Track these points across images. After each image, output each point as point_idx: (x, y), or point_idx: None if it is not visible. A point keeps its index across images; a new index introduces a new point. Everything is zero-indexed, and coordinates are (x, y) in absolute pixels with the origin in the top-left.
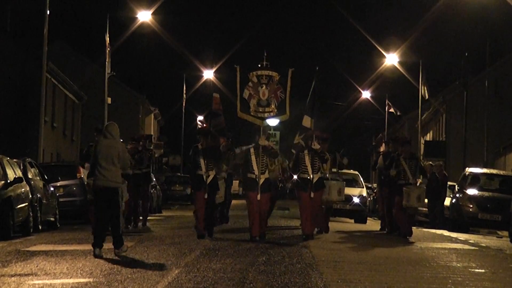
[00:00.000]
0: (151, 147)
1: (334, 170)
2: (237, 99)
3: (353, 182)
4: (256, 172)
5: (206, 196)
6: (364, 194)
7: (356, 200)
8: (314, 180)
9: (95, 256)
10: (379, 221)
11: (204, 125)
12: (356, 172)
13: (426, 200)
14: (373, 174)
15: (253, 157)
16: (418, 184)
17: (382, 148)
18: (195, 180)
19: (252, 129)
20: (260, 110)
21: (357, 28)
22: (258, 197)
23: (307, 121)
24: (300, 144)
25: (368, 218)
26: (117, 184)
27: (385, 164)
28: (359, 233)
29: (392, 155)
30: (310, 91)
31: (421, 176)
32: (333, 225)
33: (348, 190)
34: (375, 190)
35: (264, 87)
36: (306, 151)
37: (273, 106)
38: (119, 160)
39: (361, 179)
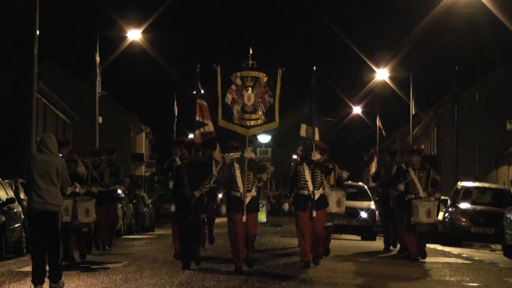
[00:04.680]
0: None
1: (332, 183)
2: (218, 105)
3: (360, 195)
4: (241, 189)
5: (189, 219)
6: (373, 207)
7: (363, 215)
8: (316, 197)
9: None
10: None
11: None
12: (362, 184)
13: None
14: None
15: (237, 172)
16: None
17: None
18: (178, 201)
19: (237, 139)
20: (246, 118)
21: (348, 43)
22: (244, 218)
23: (305, 130)
24: (298, 156)
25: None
26: (57, 207)
27: (392, 176)
28: (358, 252)
29: (400, 166)
30: (308, 96)
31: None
32: (336, 243)
33: (355, 204)
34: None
35: (249, 90)
36: (305, 164)
37: (260, 113)
38: (58, 178)
39: (369, 191)
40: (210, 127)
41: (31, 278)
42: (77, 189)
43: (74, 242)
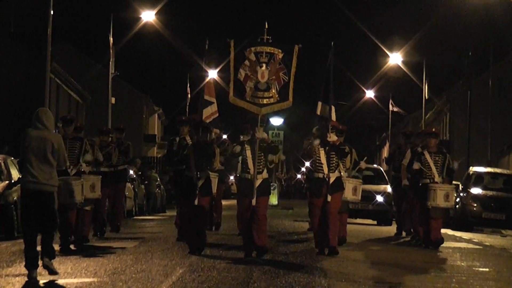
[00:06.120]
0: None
1: (348, 166)
2: (230, 81)
3: (376, 179)
4: (252, 171)
5: (196, 202)
6: (389, 190)
7: (379, 198)
8: (331, 180)
9: (30, 278)
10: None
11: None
12: (379, 167)
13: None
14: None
15: (248, 153)
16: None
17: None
18: (184, 184)
19: (247, 119)
20: (258, 95)
21: (361, 28)
22: (253, 202)
23: (322, 109)
24: (313, 136)
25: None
26: (52, 187)
27: (410, 162)
28: (371, 239)
29: (415, 149)
30: (324, 73)
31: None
32: (350, 228)
33: (371, 187)
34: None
35: (263, 66)
36: (320, 146)
37: (273, 91)
38: (54, 156)
39: (385, 174)
40: (214, 107)
41: (24, 263)
42: (82, 168)
43: (87, 222)
